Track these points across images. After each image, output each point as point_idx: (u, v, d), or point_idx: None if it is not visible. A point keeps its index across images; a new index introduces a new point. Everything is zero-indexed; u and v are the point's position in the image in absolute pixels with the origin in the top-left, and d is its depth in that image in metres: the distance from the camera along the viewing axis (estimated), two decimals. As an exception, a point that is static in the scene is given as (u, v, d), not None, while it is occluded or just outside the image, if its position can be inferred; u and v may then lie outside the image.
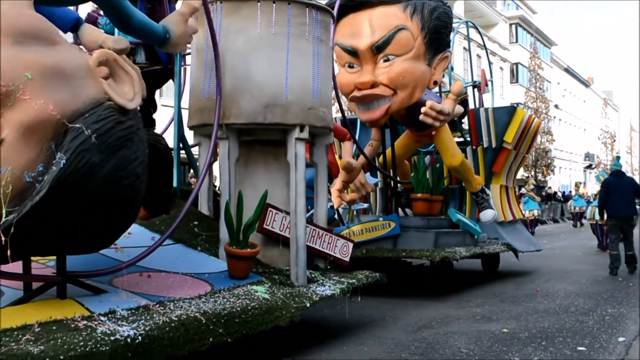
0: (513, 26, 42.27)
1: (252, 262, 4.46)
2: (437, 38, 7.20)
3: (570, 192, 39.65)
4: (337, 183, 7.79)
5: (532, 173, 36.56)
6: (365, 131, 9.08)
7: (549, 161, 37.72)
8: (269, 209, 4.86)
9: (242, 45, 4.69)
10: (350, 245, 5.43)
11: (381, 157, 8.43)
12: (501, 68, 40.76)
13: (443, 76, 8.13)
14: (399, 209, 8.42)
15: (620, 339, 5.12)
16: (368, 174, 8.93)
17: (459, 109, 7.90)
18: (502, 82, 40.46)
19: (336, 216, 8.84)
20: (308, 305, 4.31)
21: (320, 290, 4.64)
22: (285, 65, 4.65)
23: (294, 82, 4.68)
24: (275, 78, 4.64)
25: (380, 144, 8.13)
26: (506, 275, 9.42)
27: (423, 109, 6.90)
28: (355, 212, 10.23)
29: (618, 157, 9.56)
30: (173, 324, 3.38)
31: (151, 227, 4.80)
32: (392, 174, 8.21)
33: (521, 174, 36.40)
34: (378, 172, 8.56)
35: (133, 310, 3.45)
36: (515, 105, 15.15)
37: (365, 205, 9.89)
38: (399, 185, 9.01)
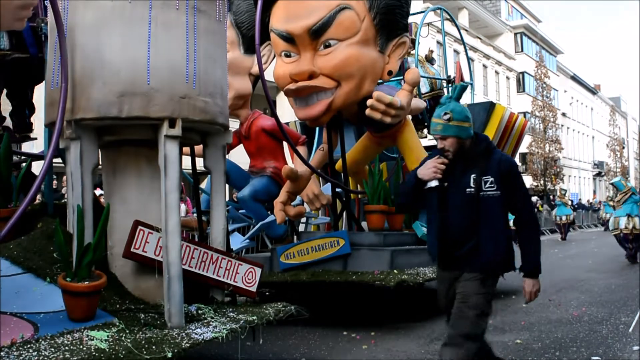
0: (518, 35, 41.81)
1: (96, 299, 3.36)
2: (389, 20, 6.09)
3: (587, 201, 38.40)
4: (281, 194, 6.68)
5: (542, 182, 35.51)
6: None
7: (558, 169, 36.74)
8: (139, 227, 3.78)
9: (92, 19, 3.65)
10: (258, 271, 4.30)
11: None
12: (507, 78, 40.02)
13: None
14: (360, 224, 7.24)
15: (635, 348, 4.96)
16: (329, 184, 7.84)
17: (419, 103, 6.74)
18: (508, 92, 39.66)
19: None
20: (169, 355, 3.19)
21: (199, 332, 3.53)
22: (146, 42, 3.58)
23: (159, 64, 3.60)
24: (133, 59, 3.57)
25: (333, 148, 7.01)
26: (517, 285, 8.75)
27: (369, 102, 5.77)
28: (319, 228, 9.14)
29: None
30: None
31: (1, 253, 3.81)
32: (345, 182, 7.05)
33: (530, 182, 35.27)
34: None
35: None
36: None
37: (328, 219, 8.79)
38: (359, 196, 7.90)
